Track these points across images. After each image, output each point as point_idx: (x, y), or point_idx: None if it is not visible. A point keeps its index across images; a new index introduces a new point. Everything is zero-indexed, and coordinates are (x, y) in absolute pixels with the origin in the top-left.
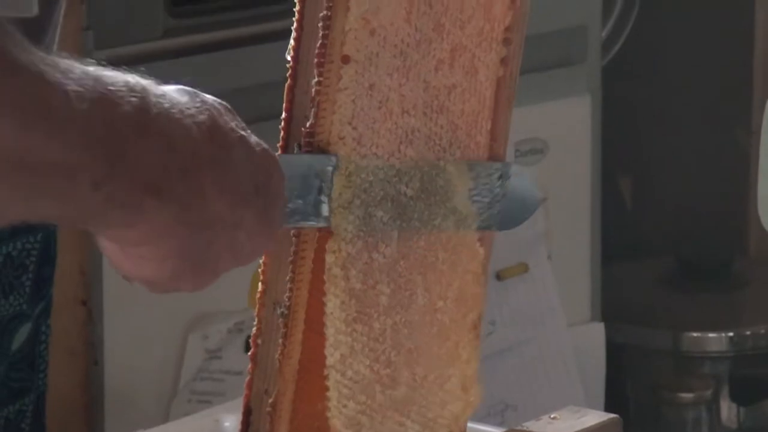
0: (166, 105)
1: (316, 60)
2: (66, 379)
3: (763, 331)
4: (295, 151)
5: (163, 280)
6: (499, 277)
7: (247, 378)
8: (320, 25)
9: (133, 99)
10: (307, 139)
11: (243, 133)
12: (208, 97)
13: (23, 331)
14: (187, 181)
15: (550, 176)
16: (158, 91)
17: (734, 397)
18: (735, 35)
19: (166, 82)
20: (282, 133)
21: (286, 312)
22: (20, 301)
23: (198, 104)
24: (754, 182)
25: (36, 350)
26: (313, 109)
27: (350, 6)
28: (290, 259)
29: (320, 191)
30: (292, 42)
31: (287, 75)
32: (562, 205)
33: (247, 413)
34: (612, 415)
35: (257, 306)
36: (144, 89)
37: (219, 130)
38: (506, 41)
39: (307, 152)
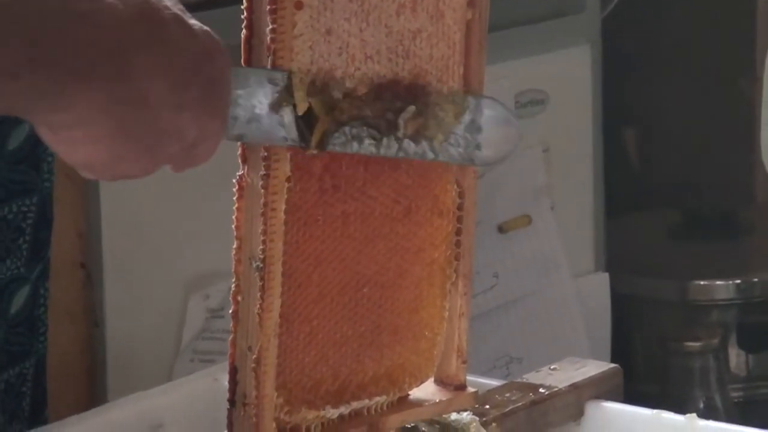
0: None
1: (268, 7)
2: (66, 341)
3: None
4: None
5: (102, 163)
6: (501, 229)
7: (231, 336)
8: None
9: None
10: None
11: (179, 12)
12: None
13: (21, 295)
14: (116, 62)
15: (551, 127)
16: None
17: (742, 345)
18: None
19: None
20: None
21: (261, 265)
22: (17, 265)
23: None
24: (758, 129)
25: (35, 313)
26: (270, 57)
27: None
28: (261, 211)
29: (281, 105)
30: None
31: (243, 26)
32: (564, 156)
33: (234, 372)
34: (612, 365)
35: (234, 263)
36: None
37: (149, 8)
38: None
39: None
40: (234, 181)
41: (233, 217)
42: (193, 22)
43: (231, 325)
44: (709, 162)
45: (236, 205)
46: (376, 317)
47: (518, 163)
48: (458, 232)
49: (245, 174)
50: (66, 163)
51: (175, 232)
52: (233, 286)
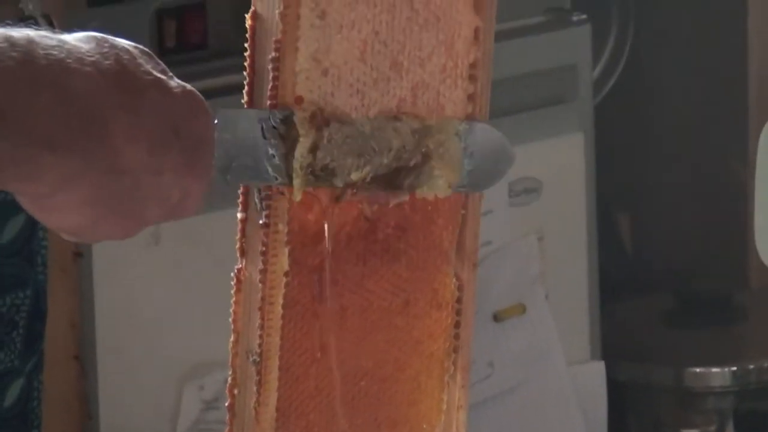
0: (60, 55)
1: (268, 102)
2: None
3: (766, 365)
4: (255, 196)
5: (83, 229)
6: (496, 318)
7: (226, 429)
8: (270, 67)
9: (15, 54)
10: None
11: (159, 75)
12: (120, 41)
13: (15, 388)
14: (90, 130)
15: (545, 215)
16: (51, 41)
17: None
18: (728, 70)
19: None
20: None
21: (258, 359)
22: (11, 358)
23: (105, 50)
24: (752, 214)
25: (29, 406)
26: None
27: (299, 47)
28: (258, 305)
29: (271, 146)
30: (245, 87)
31: None
32: (558, 244)
33: None
34: None
35: (231, 356)
36: (30, 42)
37: (127, 75)
38: (472, 78)
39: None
40: (232, 274)
41: (231, 310)
42: (174, 83)
43: (227, 418)
44: (702, 248)
45: (234, 299)
46: (373, 410)
47: (513, 251)
48: (457, 325)
49: (243, 268)
50: (57, 253)
51: (169, 323)
52: (230, 379)
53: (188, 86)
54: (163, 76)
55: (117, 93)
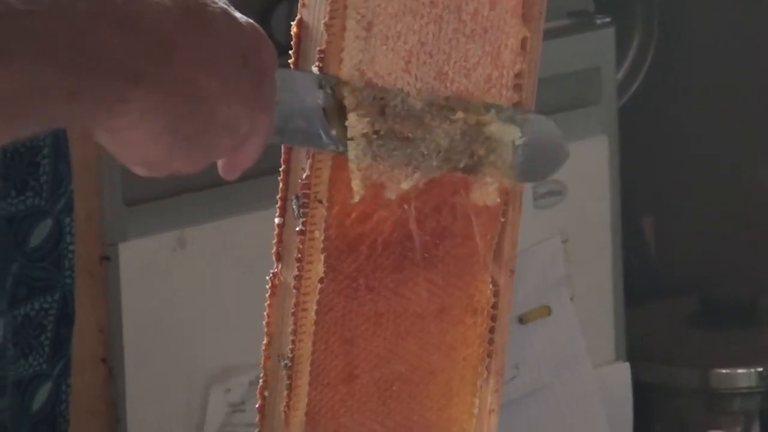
0: None
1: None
2: None
3: None
4: (293, 203)
5: (158, 161)
6: (521, 320)
7: (256, 431)
8: None
9: None
10: (304, 191)
11: (225, 6)
12: None
13: (43, 391)
14: (167, 60)
15: (569, 218)
16: None
17: None
18: (754, 74)
19: None
20: (281, 185)
21: (289, 364)
22: (40, 361)
23: None
24: None
25: (57, 410)
26: (308, 161)
27: (343, 58)
28: (292, 311)
29: (324, 112)
30: None
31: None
32: (583, 247)
33: None
34: None
35: (263, 358)
36: None
37: (196, 2)
38: (517, 87)
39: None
40: (267, 277)
41: (264, 313)
42: (238, 15)
43: (257, 419)
44: (727, 250)
45: (268, 302)
46: (406, 413)
47: (538, 254)
48: (492, 330)
49: (279, 272)
50: (84, 257)
51: (195, 326)
52: (261, 380)
53: (251, 20)
54: (228, 7)
55: (187, 18)
